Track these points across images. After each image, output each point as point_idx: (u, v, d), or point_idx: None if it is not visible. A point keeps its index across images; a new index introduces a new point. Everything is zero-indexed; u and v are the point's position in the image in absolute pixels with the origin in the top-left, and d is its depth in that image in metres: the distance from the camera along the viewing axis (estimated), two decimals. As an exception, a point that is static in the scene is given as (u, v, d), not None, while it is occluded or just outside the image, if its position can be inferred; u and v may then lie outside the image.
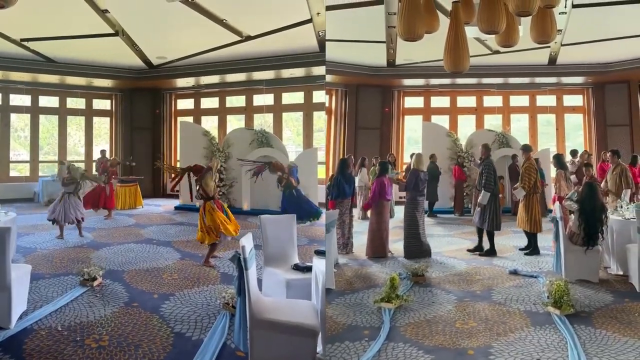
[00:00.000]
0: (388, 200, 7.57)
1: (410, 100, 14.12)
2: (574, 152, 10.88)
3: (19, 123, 14.03)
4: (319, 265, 4.20)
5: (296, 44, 10.59)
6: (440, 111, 13.95)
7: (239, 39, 10.35)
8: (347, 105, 13.38)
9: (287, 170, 9.74)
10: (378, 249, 7.36)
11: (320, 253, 4.66)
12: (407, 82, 13.35)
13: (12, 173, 13.54)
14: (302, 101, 13.24)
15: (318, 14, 8.88)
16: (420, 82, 13.33)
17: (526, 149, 7.90)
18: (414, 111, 14.06)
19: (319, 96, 12.91)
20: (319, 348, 3.80)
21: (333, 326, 4.66)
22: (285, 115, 13.59)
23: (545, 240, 7.67)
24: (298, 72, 12.00)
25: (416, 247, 7.31)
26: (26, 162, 13.78)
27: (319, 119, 13.22)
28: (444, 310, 5.12)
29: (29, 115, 13.61)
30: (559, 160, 7.90)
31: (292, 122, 14.04)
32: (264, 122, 13.17)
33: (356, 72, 12.61)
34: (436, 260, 7.17)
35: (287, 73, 12.13)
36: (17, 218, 7.22)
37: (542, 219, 7.51)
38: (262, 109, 13.36)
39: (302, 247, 6.88)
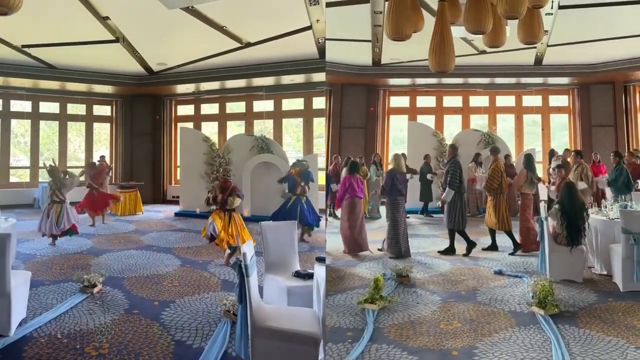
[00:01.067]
0: (360, 197, 7.73)
1: (395, 99, 14.11)
2: (551, 153, 10.99)
3: (20, 129, 14.05)
4: (320, 272, 4.19)
5: (296, 51, 10.63)
6: (426, 111, 13.96)
7: (239, 45, 10.39)
8: (331, 105, 13.36)
9: (300, 172, 9.07)
10: (353, 246, 7.55)
11: (322, 260, 4.65)
12: (393, 81, 13.34)
13: (12, 179, 13.54)
14: (302, 107, 13.28)
15: (317, 20, 8.93)
16: (406, 81, 13.33)
17: (494, 150, 8.14)
18: (399, 111, 14.05)
19: (319, 102, 12.93)
20: (321, 356, 3.78)
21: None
22: (285, 121, 13.61)
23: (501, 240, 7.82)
24: (298, 78, 12.04)
25: (398, 248, 7.43)
26: (26, 167, 13.78)
27: (319, 125, 13.23)
28: (428, 311, 5.13)
29: (29, 121, 13.63)
30: (528, 160, 7.96)
31: (292, 128, 14.06)
32: (264, 128, 13.19)
33: (341, 71, 12.58)
34: (421, 260, 7.22)
35: (287, 79, 12.18)
36: (17, 224, 7.20)
37: (510, 217, 7.73)
38: (262, 115, 13.39)
39: (302, 254, 6.87)
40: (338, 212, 10.74)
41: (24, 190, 13.14)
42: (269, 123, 13.44)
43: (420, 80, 13.13)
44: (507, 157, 10.84)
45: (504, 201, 7.71)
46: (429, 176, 11.02)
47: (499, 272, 6.47)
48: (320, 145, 13.28)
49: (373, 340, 4.38)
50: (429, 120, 13.52)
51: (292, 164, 9.62)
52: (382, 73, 12.78)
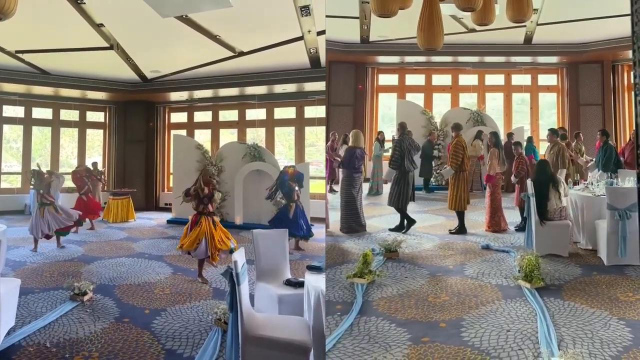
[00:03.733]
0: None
1: (384, 77, 14.02)
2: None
3: (12, 134, 13.97)
4: (311, 280, 4.21)
5: (288, 60, 10.71)
6: (415, 89, 13.90)
7: (232, 54, 10.45)
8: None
9: (293, 174, 8.77)
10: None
11: (313, 268, 4.67)
12: (382, 59, 13.25)
13: (3, 185, 13.45)
14: (294, 116, 13.34)
15: (309, 31, 9.02)
16: (395, 59, 13.25)
17: (456, 127, 8.08)
18: (388, 89, 13.99)
19: (311, 111, 13.00)
20: (311, 364, 3.79)
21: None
22: (277, 129, 13.66)
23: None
24: (290, 87, 12.11)
25: (354, 223, 7.61)
26: (18, 173, 13.69)
27: (311, 133, 13.29)
28: (417, 285, 5.25)
29: (21, 126, 13.56)
30: (497, 139, 7.92)
31: (285, 137, 14.11)
32: (256, 136, 13.22)
33: (329, 48, 12.40)
34: (410, 235, 7.34)
35: (279, 88, 12.25)
36: (7, 230, 7.15)
37: (468, 198, 7.70)
38: (254, 124, 13.43)
39: (294, 262, 6.89)
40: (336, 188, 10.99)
41: (14, 196, 13.04)
42: (262, 131, 13.49)
43: (409, 58, 13.03)
44: (511, 135, 10.56)
45: (464, 179, 7.65)
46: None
47: (487, 247, 6.64)
48: (311, 153, 13.32)
49: (362, 313, 4.50)
50: (417, 99, 13.50)
51: (284, 168, 9.24)
52: (371, 50, 12.69)
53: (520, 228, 7.58)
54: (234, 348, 3.71)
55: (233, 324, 3.73)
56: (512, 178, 7.74)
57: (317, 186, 12.16)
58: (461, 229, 7.60)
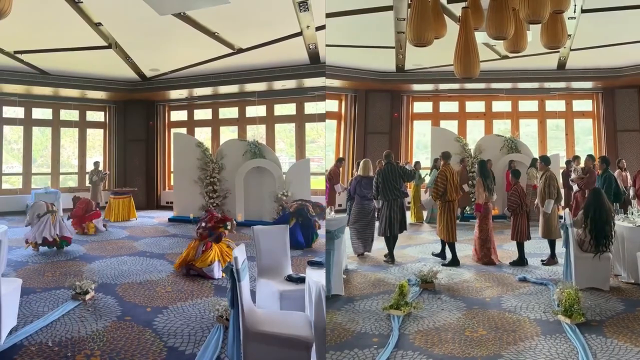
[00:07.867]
0: None
1: (419, 105, 14.20)
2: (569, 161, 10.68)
3: (12, 135, 13.99)
4: (312, 276, 4.20)
5: (287, 56, 10.69)
6: (449, 116, 13.99)
7: (231, 51, 10.42)
8: (356, 110, 13.44)
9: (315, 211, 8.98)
10: None
11: (314, 264, 4.66)
12: (416, 87, 13.43)
13: (5, 185, 13.47)
14: (294, 112, 13.33)
15: (308, 27, 8.98)
16: (429, 87, 13.40)
17: (444, 156, 7.78)
18: (423, 116, 14.12)
19: (311, 107, 12.98)
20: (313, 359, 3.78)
21: (342, 333, 4.66)
22: (277, 126, 13.66)
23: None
24: (289, 83, 12.09)
25: (363, 247, 7.63)
26: (19, 174, 13.71)
27: (311, 130, 13.28)
28: (453, 317, 5.10)
29: (22, 127, 13.58)
30: (481, 167, 7.63)
31: (285, 133, 14.10)
32: (256, 133, 13.21)
33: (365, 77, 12.68)
34: (445, 266, 7.15)
35: (278, 85, 12.23)
36: (9, 231, 7.16)
37: (455, 228, 7.29)
38: (254, 121, 13.42)
39: (295, 258, 6.88)
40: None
41: (16, 197, 13.06)
42: (262, 128, 13.48)
43: (443, 86, 13.17)
44: (576, 160, 10.05)
45: (450, 210, 7.27)
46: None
47: (524, 280, 6.39)
48: (312, 150, 13.31)
49: (398, 347, 4.36)
50: (452, 126, 13.56)
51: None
52: (406, 79, 12.85)
53: (515, 263, 7.12)
54: (236, 344, 3.70)
55: (234, 320, 3.71)
56: (505, 211, 7.52)
57: (317, 182, 12.17)
58: (453, 261, 7.15)
